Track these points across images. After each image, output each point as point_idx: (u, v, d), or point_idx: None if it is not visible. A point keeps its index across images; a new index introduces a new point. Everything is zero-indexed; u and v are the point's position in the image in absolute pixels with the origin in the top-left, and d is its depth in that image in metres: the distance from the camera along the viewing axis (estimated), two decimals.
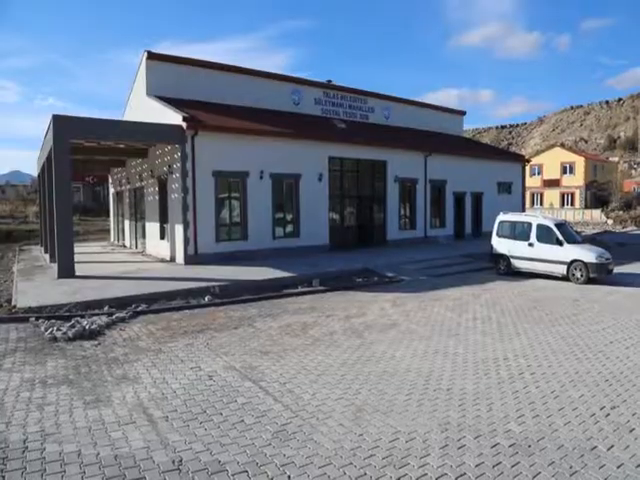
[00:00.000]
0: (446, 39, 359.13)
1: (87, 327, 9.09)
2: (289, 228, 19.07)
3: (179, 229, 16.46)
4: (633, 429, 5.42)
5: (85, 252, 20.02)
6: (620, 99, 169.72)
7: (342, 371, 7.10)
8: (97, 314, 10.13)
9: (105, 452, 4.74)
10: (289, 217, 19.11)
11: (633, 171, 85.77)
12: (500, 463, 4.67)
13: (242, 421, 5.47)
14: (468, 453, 4.84)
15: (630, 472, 4.56)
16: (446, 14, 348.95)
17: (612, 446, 5.04)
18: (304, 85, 23.29)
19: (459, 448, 4.94)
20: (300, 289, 13.02)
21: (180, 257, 16.49)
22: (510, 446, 5.00)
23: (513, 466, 4.63)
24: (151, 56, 18.77)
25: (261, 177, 17.84)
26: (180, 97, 18.54)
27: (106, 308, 10.58)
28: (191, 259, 16.16)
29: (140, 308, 10.76)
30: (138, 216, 21.94)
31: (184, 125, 15.72)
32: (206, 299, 11.68)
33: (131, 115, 21.45)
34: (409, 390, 6.41)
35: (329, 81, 24.98)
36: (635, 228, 38.53)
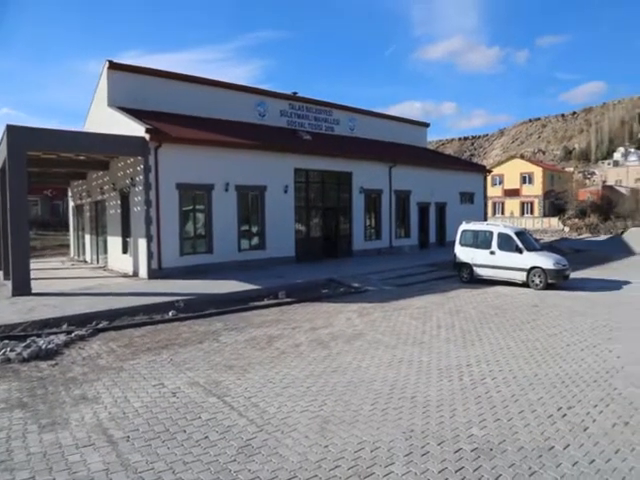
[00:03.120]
0: (410, 52, 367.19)
1: (44, 347, 8.76)
2: (255, 240, 18.98)
3: (142, 243, 16.15)
4: (587, 427, 5.62)
5: (43, 268, 19.35)
6: (574, 112, 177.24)
7: (308, 383, 7.09)
8: (55, 332, 9.78)
9: (62, 477, 4.58)
10: (255, 229, 19.03)
11: (587, 181, 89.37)
12: (463, 468, 4.76)
13: (206, 437, 5.39)
14: (432, 459, 4.91)
15: (584, 469, 4.73)
16: (411, 28, 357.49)
17: (568, 445, 5.21)
18: (269, 97, 23.37)
19: (423, 455, 5.00)
20: (266, 301, 12.94)
21: (143, 272, 16.16)
22: (472, 450, 5.10)
23: (475, 470, 4.72)
24: (113, 66, 18.43)
25: (226, 189, 17.73)
26: (143, 108, 18.29)
27: (65, 326, 10.23)
28: (155, 273, 15.85)
29: (101, 325, 10.46)
30: (99, 230, 21.40)
31: (147, 137, 15.50)
32: (170, 314, 11.47)
33: (92, 126, 20.99)
34: (374, 399, 6.46)
35: (294, 93, 25.14)
36: (590, 235, 40.08)
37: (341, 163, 21.83)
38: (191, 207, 17.30)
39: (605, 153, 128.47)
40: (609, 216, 48.20)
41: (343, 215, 22.49)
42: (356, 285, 15.23)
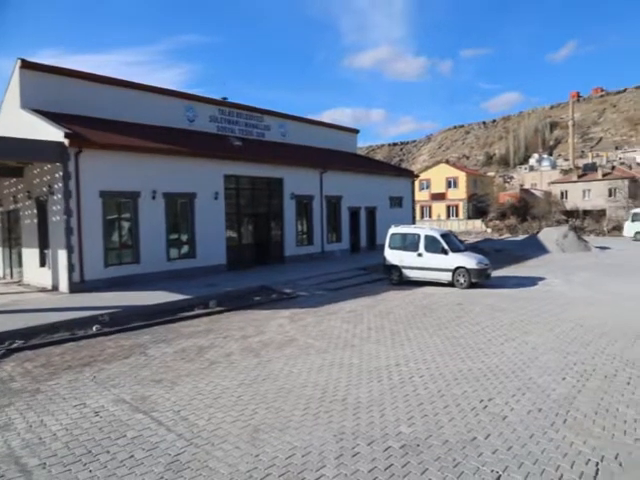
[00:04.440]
0: (341, 60, 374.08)
1: None
2: (185, 249, 18.49)
3: (62, 254, 15.23)
4: (506, 417, 5.97)
5: None
6: (494, 120, 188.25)
7: (239, 392, 6.99)
8: None
9: None
10: (184, 237, 18.53)
11: (507, 184, 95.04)
12: (392, 465, 4.89)
13: (132, 456, 5.17)
14: (362, 460, 5.00)
15: (503, 456, 5.02)
16: (341, 36, 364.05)
17: (489, 435, 5.50)
18: (199, 102, 22.89)
19: (353, 456, 5.09)
20: (196, 311, 12.63)
21: (64, 285, 15.24)
22: (401, 447, 5.25)
23: (403, 466, 4.87)
24: (26, 65, 17.19)
25: (153, 197, 17.15)
26: (62, 111, 17.28)
27: None
28: (77, 287, 15.01)
29: (15, 345, 9.73)
30: (13, 242, 19.94)
31: (66, 142, 14.66)
32: (94, 329, 10.89)
33: (3, 130, 19.56)
34: (306, 404, 6.48)
35: (224, 98, 24.81)
36: (510, 235, 42.63)
37: (272, 169, 21.81)
38: (116, 216, 16.56)
39: (522, 159, 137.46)
40: (526, 217, 51.46)
41: (274, 221, 22.46)
42: (288, 291, 15.24)
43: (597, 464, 4.84)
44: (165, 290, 14.55)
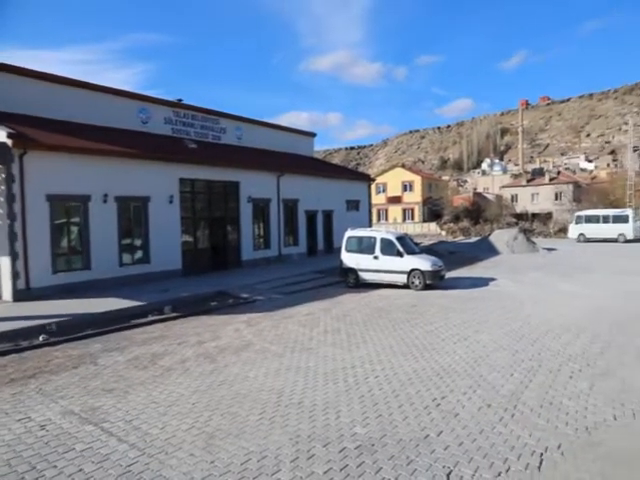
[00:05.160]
0: (298, 63, 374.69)
1: None
2: (138, 254, 18.00)
3: (5, 261, 14.51)
4: (458, 414, 6.15)
5: None
6: (449, 125, 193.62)
7: (194, 399, 6.89)
8: None
9: None
10: (138, 242, 18.06)
11: (460, 188, 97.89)
12: (347, 466, 4.94)
13: (81, 470, 5.00)
14: (317, 462, 5.03)
15: (454, 452, 5.17)
16: (298, 39, 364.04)
17: (441, 432, 5.65)
18: (153, 103, 22.36)
19: (309, 458, 5.11)
20: (150, 318, 12.32)
21: (8, 293, 14.52)
22: (356, 448, 5.31)
23: (358, 466, 4.93)
24: None
25: (105, 200, 16.63)
26: (5, 110, 16.49)
27: None
28: (22, 295, 14.33)
29: None
30: None
31: (9, 142, 14.01)
32: (40, 338, 10.43)
33: None
34: (262, 409, 6.46)
35: (179, 100, 24.36)
36: (463, 238, 43.90)
37: (228, 172, 21.60)
38: (65, 220, 15.95)
39: (475, 163, 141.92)
40: (479, 220, 53.12)
41: (231, 225, 22.23)
42: (245, 296, 15.12)
43: (541, 455, 5.07)
44: (117, 297, 14.13)
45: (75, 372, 8.33)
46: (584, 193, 58.40)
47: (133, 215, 17.94)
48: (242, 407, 6.54)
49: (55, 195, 15.29)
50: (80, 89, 19.19)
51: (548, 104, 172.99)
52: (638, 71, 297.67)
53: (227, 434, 5.73)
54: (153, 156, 18.50)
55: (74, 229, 16.28)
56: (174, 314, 12.76)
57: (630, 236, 34.18)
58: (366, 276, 17.18)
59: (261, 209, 23.63)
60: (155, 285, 16.39)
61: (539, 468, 4.83)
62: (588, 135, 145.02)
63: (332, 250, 26.93)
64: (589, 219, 36.78)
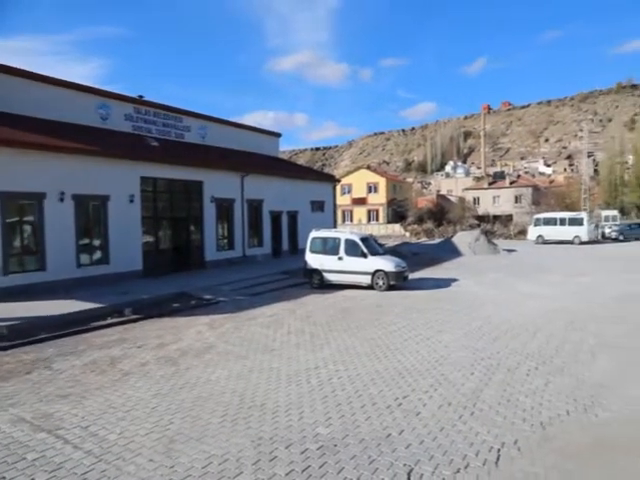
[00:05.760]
0: (264, 62, 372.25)
1: None
2: (97, 254, 17.46)
3: None
4: (419, 412, 6.23)
5: None
6: (413, 128, 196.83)
7: (154, 403, 6.72)
8: None
9: None
10: (97, 242, 17.51)
11: (424, 190, 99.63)
12: (309, 467, 4.93)
13: None
14: (279, 464, 5.00)
15: (415, 450, 5.24)
16: (264, 38, 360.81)
17: (403, 431, 5.71)
18: (113, 99, 21.68)
19: (271, 460, 5.07)
20: (109, 320, 11.96)
21: None
22: (318, 449, 5.30)
23: (320, 467, 4.92)
24: None
25: (61, 199, 16.04)
26: None
27: None
28: None
29: None
30: None
31: None
32: None
33: None
34: (224, 411, 6.37)
35: (140, 96, 23.76)
36: (427, 239, 44.64)
37: (191, 172, 21.23)
38: (17, 219, 15.30)
39: (439, 165, 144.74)
40: (442, 222, 54.18)
41: (194, 225, 21.87)
42: (208, 297, 14.89)
43: (499, 450, 5.19)
44: (75, 299, 13.66)
45: (27, 378, 7.99)
46: (542, 196, 60.45)
47: (92, 214, 17.39)
48: (204, 410, 6.43)
49: (6, 192, 14.62)
50: (32, 81, 18.38)
51: (509, 109, 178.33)
52: (593, 80, 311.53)
53: (188, 438, 5.62)
54: (113, 153, 17.98)
55: (27, 228, 15.65)
56: (134, 316, 12.43)
57: (585, 238, 35.61)
58: (330, 277, 17.22)
59: (225, 209, 23.34)
60: (115, 287, 15.92)
61: (496, 463, 4.94)
62: (547, 140, 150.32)
63: (297, 251, 26.86)
64: (547, 221, 38.12)
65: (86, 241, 17.12)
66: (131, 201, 18.46)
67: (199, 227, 21.90)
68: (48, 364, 8.73)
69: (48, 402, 6.86)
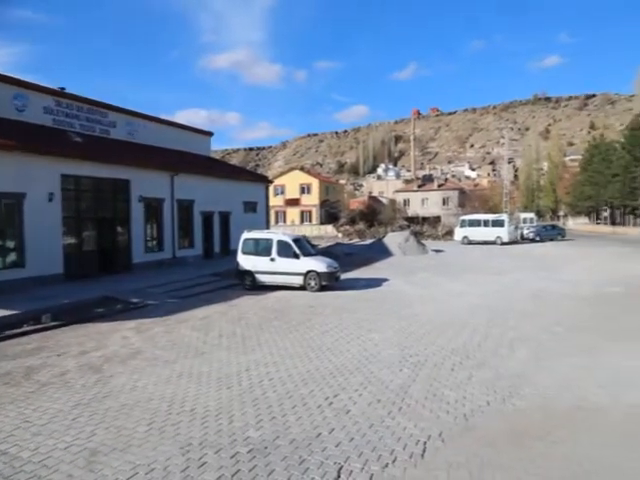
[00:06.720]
0: (197, 59, 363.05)
1: None
2: (11, 257, 16.23)
3: None
4: (349, 410, 6.34)
5: None
6: (346, 131, 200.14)
7: (74, 414, 6.35)
8: None
9: None
10: (10, 244, 16.28)
11: (357, 192, 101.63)
12: (239, 471, 4.87)
13: None
14: (209, 469, 4.90)
15: (345, 447, 5.33)
16: (198, 34, 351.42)
17: (333, 429, 5.78)
18: (31, 90, 20.21)
19: (200, 467, 4.96)
20: (25, 328, 11.15)
21: None
22: (248, 452, 5.25)
23: (250, 470, 4.88)
24: None
25: None
26: None
27: None
28: None
29: None
30: None
31: None
32: None
33: None
34: (151, 419, 6.14)
35: (62, 88, 22.38)
36: (359, 240, 45.49)
37: (118, 170, 20.31)
38: None
39: (371, 168, 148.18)
40: (374, 223, 55.40)
41: (121, 226, 20.94)
42: (135, 301, 14.31)
43: (425, 443, 5.40)
44: None
45: None
46: (468, 199, 63.68)
47: (5, 213, 16.17)
48: (129, 419, 6.17)
49: None
50: None
51: (437, 115, 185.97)
52: (513, 91, 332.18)
53: (112, 449, 5.37)
54: (29, 148, 16.80)
55: None
56: (54, 323, 11.68)
57: (506, 239, 37.85)
58: (263, 278, 17.11)
59: (154, 209, 22.54)
60: (32, 292, 14.86)
61: (422, 455, 5.13)
62: (472, 146, 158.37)
63: (229, 252, 26.43)
64: (472, 223, 40.15)
65: None
66: (50, 200, 17.35)
67: (126, 228, 21.00)
68: None
69: None
